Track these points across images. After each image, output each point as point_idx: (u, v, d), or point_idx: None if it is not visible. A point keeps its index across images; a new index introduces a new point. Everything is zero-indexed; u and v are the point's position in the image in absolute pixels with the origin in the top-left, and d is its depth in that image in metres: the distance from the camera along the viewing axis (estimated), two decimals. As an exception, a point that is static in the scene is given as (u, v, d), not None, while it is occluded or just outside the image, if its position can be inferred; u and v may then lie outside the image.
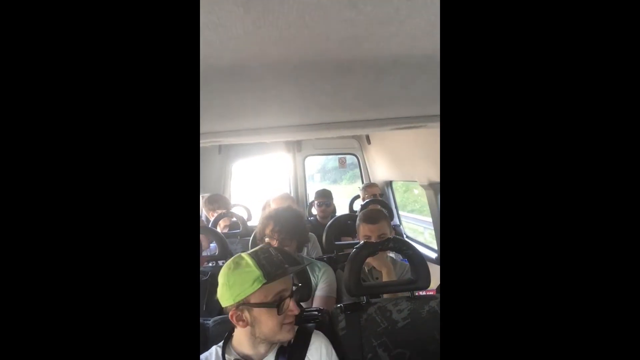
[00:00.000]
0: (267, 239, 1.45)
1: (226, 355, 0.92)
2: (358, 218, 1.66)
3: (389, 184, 3.15)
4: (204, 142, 0.91)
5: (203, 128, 0.82)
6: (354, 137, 3.33)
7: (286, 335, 0.91)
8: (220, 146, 2.86)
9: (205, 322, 1.23)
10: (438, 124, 0.87)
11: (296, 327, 1.00)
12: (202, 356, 0.97)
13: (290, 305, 0.89)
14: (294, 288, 0.94)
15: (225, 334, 1.00)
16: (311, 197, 3.52)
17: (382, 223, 1.58)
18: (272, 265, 0.88)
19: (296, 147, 3.38)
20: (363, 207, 2.42)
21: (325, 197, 2.77)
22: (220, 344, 0.97)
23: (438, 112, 0.77)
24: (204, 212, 2.70)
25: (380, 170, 3.13)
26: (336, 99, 0.66)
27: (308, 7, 0.35)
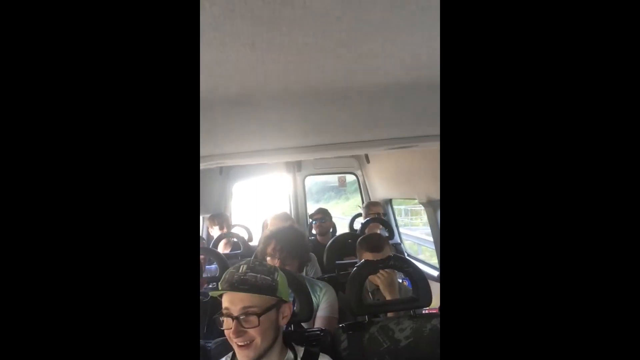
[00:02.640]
0: (268, 258, 1.45)
1: None
2: (359, 244, 1.63)
3: (389, 202, 3.16)
4: (208, 164, 0.94)
5: (206, 151, 0.85)
6: (353, 156, 3.36)
7: (238, 356, 0.90)
8: (221, 167, 2.89)
9: (207, 344, 1.22)
10: (430, 144, 0.91)
11: (302, 349, 1.00)
12: None
13: (233, 327, 0.86)
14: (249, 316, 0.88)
15: (225, 355, 1.00)
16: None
17: (385, 250, 1.53)
18: (227, 280, 0.90)
19: (296, 167, 3.41)
20: (364, 225, 2.42)
21: (321, 213, 2.78)
22: (230, 354, 0.97)
23: (429, 132, 0.81)
24: (205, 230, 2.71)
25: (380, 188, 3.15)
26: (333, 122, 0.70)
27: (307, 45, 0.38)
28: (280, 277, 0.95)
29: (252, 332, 0.87)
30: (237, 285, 0.89)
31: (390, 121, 0.71)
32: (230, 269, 0.93)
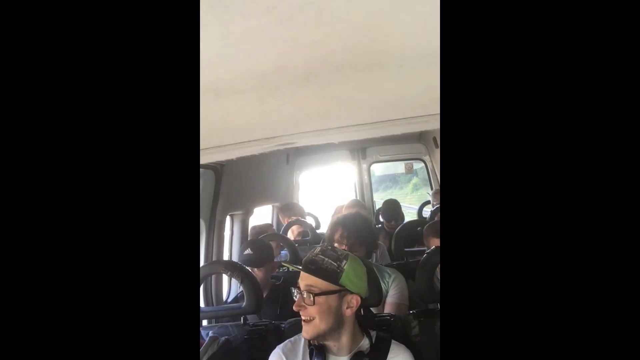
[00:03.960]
0: (336, 244, 1.47)
1: (310, 341, 0.98)
2: (426, 230, 1.60)
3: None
4: (277, 146, 0.98)
5: (274, 132, 0.89)
6: (420, 141, 3.23)
7: (303, 332, 0.96)
8: (288, 156, 2.99)
9: (281, 324, 1.28)
10: None
11: (374, 333, 1.01)
12: (289, 340, 1.06)
13: (297, 299, 0.95)
14: (303, 293, 0.94)
15: (298, 334, 1.04)
16: (377, 204, 3.49)
17: None
18: (305, 258, 0.99)
19: (361, 154, 3.38)
20: (433, 212, 2.33)
21: (392, 209, 2.63)
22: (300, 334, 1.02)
23: None
24: (275, 219, 2.84)
25: (451, 174, 2.99)
26: (400, 95, 0.67)
27: (372, 13, 0.37)
28: (349, 267, 0.95)
29: (311, 310, 0.93)
30: (305, 265, 0.96)
31: None
32: (311, 250, 1.01)
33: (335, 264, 0.94)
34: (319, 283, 0.93)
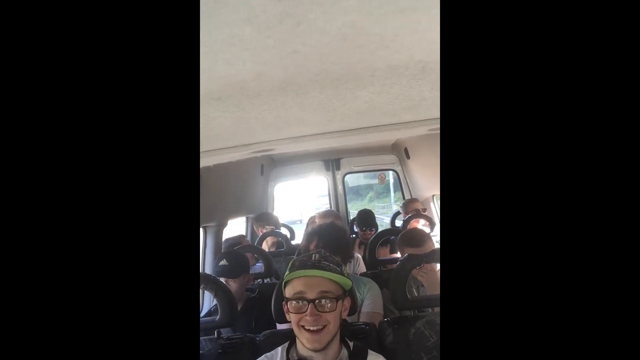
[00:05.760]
0: (311, 255, 1.47)
1: (289, 354, 0.96)
2: (399, 240, 1.62)
3: (433, 197, 3.07)
4: (254, 153, 0.98)
5: (255, 138, 0.89)
6: (392, 152, 3.31)
7: (306, 343, 0.90)
8: (262, 168, 2.97)
9: (255, 337, 1.26)
10: None
11: (352, 343, 1.00)
12: (265, 355, 1.02)
13: (308, 311, 0.88)
14: (336, 302, 0.90)
15: (274, 347, 1.03)
16: (352, 214, 3.52)
17: (427, 245, 1.49)
18: (301, 265, 0.92)
19: (335, 166, 3.42)
20: (405, 222, 2.38)
21: (367, 219, 2.67)
22: (286, 344, 1.00)
23: None
24: (250, 230, 2.81)
25: (423, 184, 3.07)
26: (372, 104, 0.69)
27: (345, 24, 0.39)
28: (346, 272, 0.97)
29: (327, 316, 0.89)
30: (318, 266, 0.91)
31: (430, 101, 0.70)
32: (300, 257, 0.97)
33: (338, 268, 0.95)
34: (332, 287, 0.91)
